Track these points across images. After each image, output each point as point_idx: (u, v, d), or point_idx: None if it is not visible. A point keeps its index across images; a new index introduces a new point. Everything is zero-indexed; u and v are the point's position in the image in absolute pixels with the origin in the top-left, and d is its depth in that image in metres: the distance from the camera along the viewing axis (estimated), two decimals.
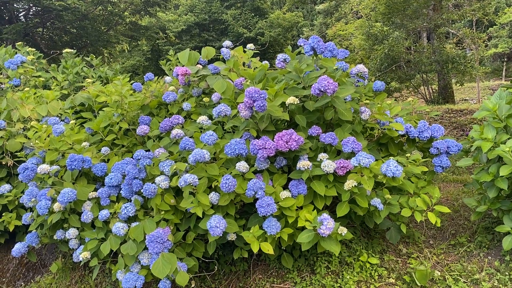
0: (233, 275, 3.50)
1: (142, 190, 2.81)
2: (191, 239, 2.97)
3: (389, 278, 3.16)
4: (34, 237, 3.32)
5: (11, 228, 3.59)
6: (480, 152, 3.20)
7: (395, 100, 13.07)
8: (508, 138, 2.85)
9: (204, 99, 3.63)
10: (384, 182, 2.78)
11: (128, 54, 24.02)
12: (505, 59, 23.40)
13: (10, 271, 4.30)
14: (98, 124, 3.54)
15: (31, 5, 15.29)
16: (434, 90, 13.71)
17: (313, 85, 2.84)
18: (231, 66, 3.56)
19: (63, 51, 5.29)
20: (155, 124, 3.53)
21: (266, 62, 3.80)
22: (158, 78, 4.31)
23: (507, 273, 2.96)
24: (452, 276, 3.06)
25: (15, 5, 14.70)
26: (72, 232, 3.10)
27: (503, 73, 22.80)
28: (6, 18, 14.85)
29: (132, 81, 4.14)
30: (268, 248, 2.66)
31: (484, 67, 15.27)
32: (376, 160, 2.85)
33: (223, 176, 2.67)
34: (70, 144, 3.32)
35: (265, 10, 25.70)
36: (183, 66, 3.63)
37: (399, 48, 12.30)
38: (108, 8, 17.13)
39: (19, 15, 15.96)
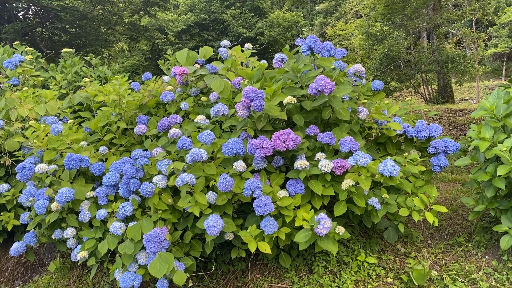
0: (231, 275, 3.50)
1: (139, 190, 2.81)
2: (188, 238, 2.97)
3: (387, 277, 3.16)
4: (32, 236, 3.32)
5: (9, 228, 3.59)
6: (478, 151, 3.19)
7: (394, 99, 13.10)
8: (506, 138, 2.84)
9: (202, 99, 3.63)
10: (381, 181, 2.78)
11: (128, 54, 24.01)
12: (505, 59, 23.39)
13: (8, 270, 4.30)
14: (96, 124, 3.54)
15: (30, 4, 15.28)
16: (433, 90, 13.70)
17: (311, 84, 2.84)
18: (229, 66, 3.56)
19: (62, 51, 5.29)
20: (153, 124, 3.53)
21: (264, 61, 3.80)
22: (156, 78, 4.31)
23: (504, 273, 2.97)
24: (449, 276, 3.06)
25: (14, 4, 14.69)
26: (70, 232, 3.10)
27: (503, 73, 22.80)
28: (5, 17, 14.84)
29: (131, 81, 4.14)
30: (266, 248, 2.66)
31: (484, 67, 15.25)
32: (374, 159, 2.85)
33: (220, 175, 2.67)
34: (68, 144, 3.33)
35: (265, 10, 25.68)
36: (181, 65, 3.63)
37: (398, 47, 12.29)
38: (107, 8, 17.13)
39: (18, 14, 15.95)
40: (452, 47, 15.26)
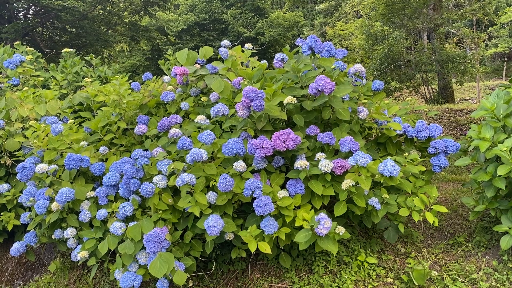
0: (231, 275, 3.50)
1: (139, 190, 2.81)
2: (188, 238, 2.97)
3: (387, 277, 3.16)
4: (33, 236, 3.32)
5: (9, 228, 3.59)
6: (478, 151, 3.19)
7: (395, 99, 13.09)
8: (506, 138, 2.84)
9: (202, 99, 3.63)
10: (381, 181, 2.78)
11: (128, 54, 24.02)
12: (506, 59, 23.37)
13: (9, 270, 4.31)
14: (96, 124, 3.54)
15: (30, 4, 15.28)
16: (434, 90, 13.69)
17: (311, 84, 2.84)
18: (229, 66, 3.56)
19: (62, 51, 5.29)
20: (153, 124, 3.53)
21: (265, 61, 3.80)
22: (157, 78, 4.31)
23: (504, 273, 2.96)
24: (450, 276, 3.06)
25: (14, 4, 14.69)
26: (70, 232, 3.10)
27: (504, 73, 22.78)
28: (6, 17, 14.84)
29: (132, 81, 4.14)
30: (266, 248, 2.66)
31: (484, 67, 15.25)
32: (374, 159, 2.85)
33: (220, 175, 2.67)
34: (69, 144, 3.33)
35: (266, 10, 25.68)
36: (181, 65, 3.63)
37: (399, 47, 12.28)
38: (108, 8, 17.12)
39: (19, 14, 15.95)
40: (453, 47, 15.24)
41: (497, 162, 2.96)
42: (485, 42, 19.64)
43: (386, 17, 12.36)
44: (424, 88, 13.69)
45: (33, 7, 15.61)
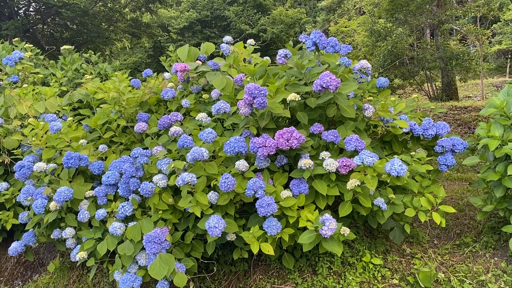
0: (233, 276, 3.43)
1: (139, 189, 2.75)
2: (189, 239, 2.91)
3: (393, 279, 3.09)
4: (31, 236, 3.27)
5: (8, 227, 3.54)
6: (487, 150, 3.11)
7: (398, 97, 12.98)
8: None
9: (203, 96, 3.56)
10: (388, 181, 2.70)
11: (129, 51, 23.93)
12: (509, 56, 23.14)
13: (8, 270, 4.26)
14: (95, 121, 3.47)
15: (31, 1, 15.21)
16: (437, 87, 13.57)
17: (315, 81, 2.76)
18: (231, 62, 3.49)
19: (61, 48, 5.22)
20: (154, 121, 3.47)
21: (267, 58, 3.72)
22: (158, 75, 4.24)
23: None
24: (457, 278, 2.98)
25: (14, 0, 14.61)
26: (68, 232, 3.04)
27: (507, 70, 22.57)
28: (6, 14, 14.76)
29: (131, 78, 4.07)
30: (269, 249, 2.59)
31: (488, 64, 15.11)
32: (380, 158, 2.77)
33: (222, 175, 2.61)
34: (68, 142, 3.26)
35: (268, 7, 25.52)
36: (182, 62, 3.56)
37: (402, 44, 12.15)
38: (109, 4, 17.00)
39: (19, 11, 15.87)
40: (456, 43, 15.10)
41: (507, 161, 2.88)
42: (489, 39, 19.46)
43: (389, 12, 12.21)
44: (428, 85, 13.57)
45: (33, 3, 15.52)
